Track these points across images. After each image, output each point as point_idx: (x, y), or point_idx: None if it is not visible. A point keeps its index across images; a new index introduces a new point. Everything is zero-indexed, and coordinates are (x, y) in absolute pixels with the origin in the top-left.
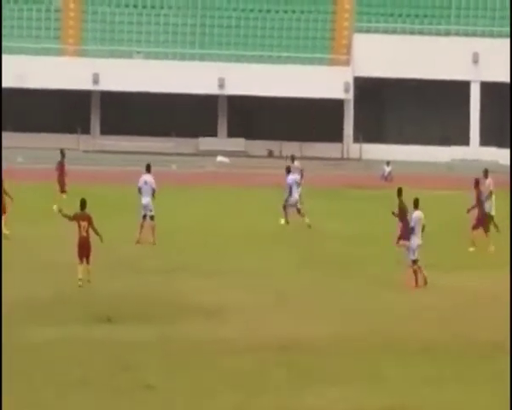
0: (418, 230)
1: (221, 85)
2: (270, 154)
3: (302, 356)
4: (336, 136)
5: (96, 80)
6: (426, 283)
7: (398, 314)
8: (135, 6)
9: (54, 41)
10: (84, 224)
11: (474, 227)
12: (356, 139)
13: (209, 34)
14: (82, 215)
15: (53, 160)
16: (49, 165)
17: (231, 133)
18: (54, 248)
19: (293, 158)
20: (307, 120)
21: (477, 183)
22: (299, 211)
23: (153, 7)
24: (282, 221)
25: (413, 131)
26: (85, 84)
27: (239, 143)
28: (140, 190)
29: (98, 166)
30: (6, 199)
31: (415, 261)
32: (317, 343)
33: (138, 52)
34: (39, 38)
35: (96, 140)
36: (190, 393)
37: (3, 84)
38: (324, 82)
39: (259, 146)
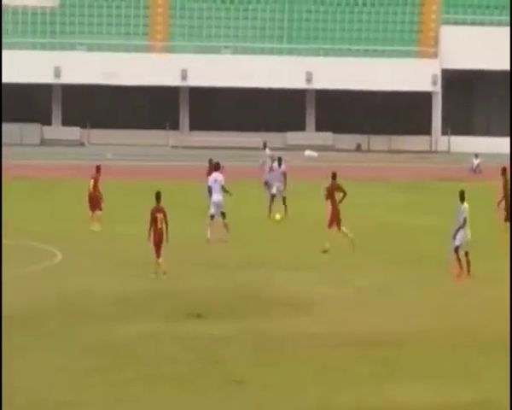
0: (467, 222)
1: (309, 80)
2: (359, 148)
3: (385, 351)
4: (424, 129)
5: (184, 76)
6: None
7: (486, 309)
8: (223, 1)
9: (142, 38)
10: (160, 216)
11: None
12: (444, 132)
13: (297, 29)
14: (157, 208)
15: (142, 156)
16: (138, 162)
17: (319, 127)
18: (144, 245)
19: (264, 145)
20: (395, 114)
21: (504, 170)
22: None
23: (241, 2)
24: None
25: (501, 123)
26: (174, 81)
27: (327, 137)
28: (210, 188)
29: (187, 161)
30: (99, 196)
31: (466, 253)
32: (400, 339)
33: (226, 47)
34: (128, 35)
35: (185, 136)
36: (278, 387)
37: (93, 81)
38: (412, 75)
39: (347, 140)
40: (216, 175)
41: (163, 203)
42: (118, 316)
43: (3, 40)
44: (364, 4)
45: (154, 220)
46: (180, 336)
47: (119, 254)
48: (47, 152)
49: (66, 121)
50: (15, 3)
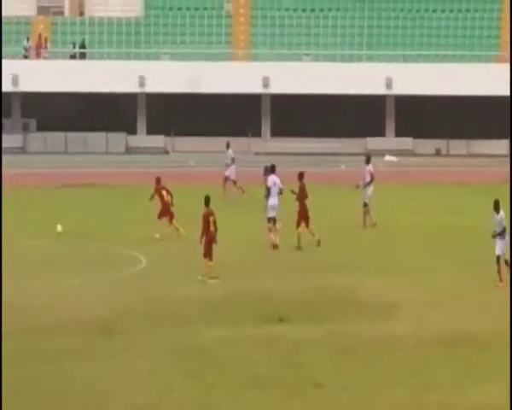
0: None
1: (388, 85)
2: (438, 152)
3: (468, 352)
4: (503, 132)
5: (265, 84)
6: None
7: None
8: (303, 9)
9: (225, 46)
10: (212, 218)
11: None
12: None
13: (376, 35)
14: (209, 211)
15: (223, 163)
16: (221, 168)
17: (399, 133)
18: (226, 249)
19: (227, 145)
20: (474, 118)
21: None
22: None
23: (321, 9)
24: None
25: None
26: (256, 88)
27: (407, 143)
28: (269, 190)
29: None
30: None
31: (506, 262)
32: (484, 339)
33: (307, 55)
34: (211, 44)
35: (267, 142)
36: (358, 390)
37: (176, 90)
38: (491, 79)
39: (427, 145)
40: (274, 178)
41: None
42: (201, 320)
43: (91, 50)
44: (443, 10)
45: (206, 223)
46: (262, 340)
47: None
48: (132, 160)
49: (151, 130)
50: (101, 14)
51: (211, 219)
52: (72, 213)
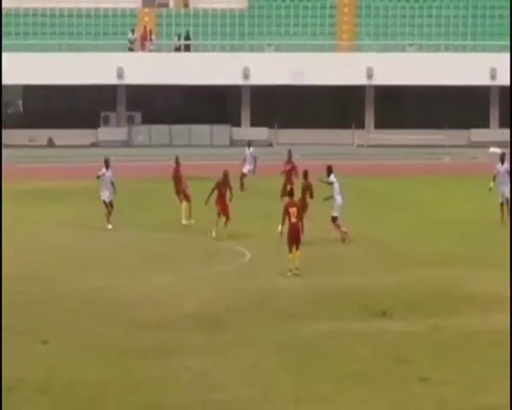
0: None
1: (493, 76)
2: None
3: None
4: None
5: (369, 75)
6: None
7: None
8: None
9: (329, 37)
10: (293, 210)
11: None
12: None
13: (480, 25)
14: (291, 203)
15: (328, 155)
16: (325, 161)
17: (503, 124)
18: (331, 244)
19: (249, 144)
20: None
21: None
22: None
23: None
24: None
25: None
26: (360, 80)
27: None
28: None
29: (372, 160)
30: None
31: None
32: None
33: (411, 45)
34: (315, 35)
35: (371, 134)
36: (464, 386)
37: (280, 82)
38: None
39: None
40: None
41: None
42: (305, 314)
43: (195, 42)
44: None
45: (287, 215)
46: (366, 335)
47: (308, 252)
48: (236, 153)
49: (255, 122)
50: (205, 6)
51: (291, 210)
52: (176, 206)
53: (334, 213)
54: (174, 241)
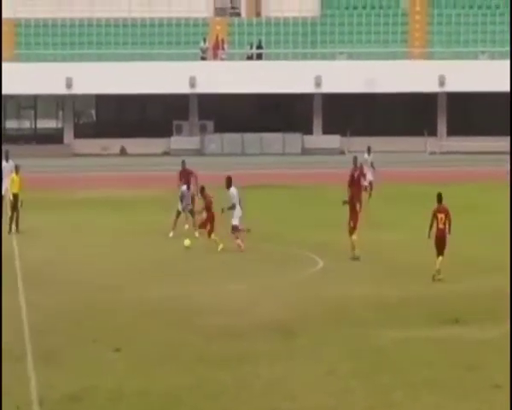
0: None
1: None
2: None
3: None
4: None
5: (442, 82)
6: None
7: None
8: (479, 7)
9: (401, 45)
10: (441, 216)
11: None
12: None
13: None
14: (439, 208)
15: (401, 163)
16: (397, 168)
17: None
18: (405, 251)
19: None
20: None
21: None
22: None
23: (497, 6)
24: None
25: None
26: (432, 87)
27: None
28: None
29: (445, 167)
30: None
31: None
32: None
33: (483, 53)
34: (387, 43)
35: (443, 142)
36: None
37: (352, 90)
38: None
39: None
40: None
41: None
42: (377, 322)
43: (267, 51)
44: None
45: (435, 220)
46: (438, 342)
47: (379, 260)
48: (308, 161)
49: (327, 130)
50: (277, 15)
51: (439, 216)
52: (248, 214)
53: (234, 222)
54: (247, 249)
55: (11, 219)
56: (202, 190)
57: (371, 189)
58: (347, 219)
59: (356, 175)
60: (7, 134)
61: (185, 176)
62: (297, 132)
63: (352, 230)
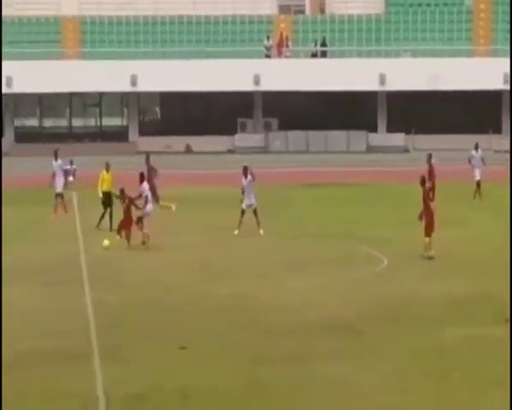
0: None
1: None
2: None
3: None
4: None
5: (506, 80)
6: None
7: None
8: None
9: (465, 42)
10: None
11: None
12: None
13: None
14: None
15: (465, 161)
16: (461, 166)
17: None
18: (463, 247)
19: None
20: None
21: None
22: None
23: None
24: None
25: None
26: (496, 84)
27: None
28: None
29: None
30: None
31: None
32: None
33: None
34: (451, 40)
35: (507, 140)
36: None
37: (417, 87)
38: None
39: None
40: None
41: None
42: (444, 320)
43: (332, 48)
44: None
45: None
46: (504, 339)
47: (446, 257)
48: (372, 159)
49: (391, 128)
50: (341, 12)
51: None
52: (313, 212)
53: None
54: (308, 246)
55: (102, 216)
56: (122, 192)
57: (479, 187)
58: (423, 219)
59: (429, 173)
60: (72, 132)
61: (148, 171)
62: (361, 130)
63: (427, 230)
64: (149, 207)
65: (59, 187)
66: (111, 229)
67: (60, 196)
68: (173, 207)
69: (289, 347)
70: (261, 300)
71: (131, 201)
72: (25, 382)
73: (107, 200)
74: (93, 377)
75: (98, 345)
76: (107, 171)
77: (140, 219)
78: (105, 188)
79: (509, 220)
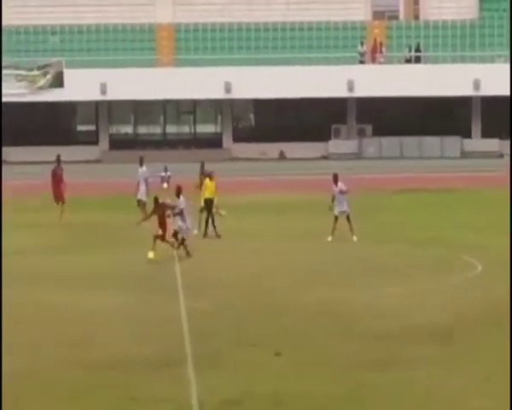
0: None
1: None
2: None
3: None
4: None
5: None
6: None
7: None
8: None
9: None
10: None
11: None
12: None
13: None
14: None
15: None
16: None
17: None
18: None
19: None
20: None
21: None
22: None
23: None
24: None
25: None
26: None
27: None
28: None
29: None
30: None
31: None
32: None
33: None
34: None
35: None
36: None
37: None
38: None
39: None
40: None
41: None
42: None
43: (426, 53)
44: None
45: None
46: None
47: None
48: (467, 164)
49: (486, 133)
50: (435, 17)
51: None
52: (407, 218)
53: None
54: (402, 252)
55: (206, 222)
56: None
57: None
58: None
59: None
60: (167, 139)
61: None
62: (456, 136)
63: None
64: (180, 224)
65: (141, 194)
66: (205, 234)
67: (141, 203)
68: (223, 213)
69: (385, 352)
70: (356, 306)
71: (166, 207)
72: (119, 387)
73: (208, 207)
74: (187, 383)
75: (192, 352)
76: (211, 178)
77: (176, 234)
78: (207, 195)
79: None
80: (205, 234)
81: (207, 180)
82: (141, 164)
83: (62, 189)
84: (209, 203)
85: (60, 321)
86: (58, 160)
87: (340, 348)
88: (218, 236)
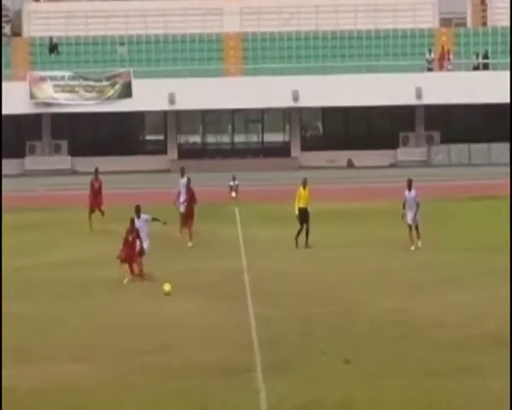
0: None
1: None
2: None
3: None
4: None
5: None
6: None
7: None
8: None
9: None
10: None
11: None
12: None
13: None
14: None
15: None
16: None
17: None
18: None
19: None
20: None
21: None
22: None
23: None
24: None
25: None
26: None
27: None
28: None
29: None
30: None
31: None
32: None
33: None
34: None
35: None
36: None
37: None
38: None
39: None
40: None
41: None
42: None
43: (493, 61)
44: None
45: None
46: None
47: None
48: None
49: None
50: (504, 24)
51: None
52: (475, 225)
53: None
54: (470, 260)
55: (299, 232)
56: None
57: None
58: None
59: None
60: (235, 148)
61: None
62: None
63: None
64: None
65: (180, 206)
66: (306, 245)
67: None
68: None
69: (455, 361)
70: (424, 314)
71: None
72: (191, 395)
73: (303, 216)
74: (257, 391)
75: (262, 360)
76: (304, 187)
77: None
78: (302, 204)
79: None
80: (306, 244)
81: (301, 189)
82: (182, 174)
83: (100, 200)
84: (303, 213)
85: (137, 329)
86: (96, 172)
87: (409, 356)
88: (309, 246)
